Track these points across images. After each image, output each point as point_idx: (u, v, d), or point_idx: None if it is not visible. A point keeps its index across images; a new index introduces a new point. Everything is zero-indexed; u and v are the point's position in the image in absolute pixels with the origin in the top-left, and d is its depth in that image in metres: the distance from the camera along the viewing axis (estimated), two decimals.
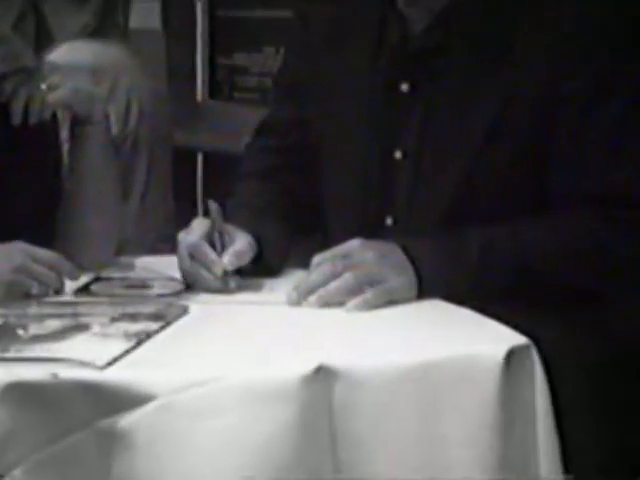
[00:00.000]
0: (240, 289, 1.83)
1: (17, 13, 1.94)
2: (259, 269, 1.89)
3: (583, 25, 1.80)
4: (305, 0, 2.17)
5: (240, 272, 1.84)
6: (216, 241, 1.84)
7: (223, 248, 1.83)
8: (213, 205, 1.85)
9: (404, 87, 1.89)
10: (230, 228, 1.86)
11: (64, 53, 2.62)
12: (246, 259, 1.85)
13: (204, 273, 1.82)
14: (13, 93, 1.94)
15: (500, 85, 1.82)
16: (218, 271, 1.81)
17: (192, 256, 1.84)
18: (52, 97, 1.97)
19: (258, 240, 1.88)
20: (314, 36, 2.03)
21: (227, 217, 1.87)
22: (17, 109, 1.95)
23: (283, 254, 1.92)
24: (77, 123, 2.05)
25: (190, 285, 1.85)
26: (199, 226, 1.86)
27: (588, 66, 1.80)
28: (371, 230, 1.87)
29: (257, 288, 1.86)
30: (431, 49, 1.88)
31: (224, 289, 1.82)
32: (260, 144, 2.14)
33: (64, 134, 2.10)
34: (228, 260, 1.82)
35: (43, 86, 1.97)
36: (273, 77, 3.58)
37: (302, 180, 2.02)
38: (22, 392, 1.40)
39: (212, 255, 1.82)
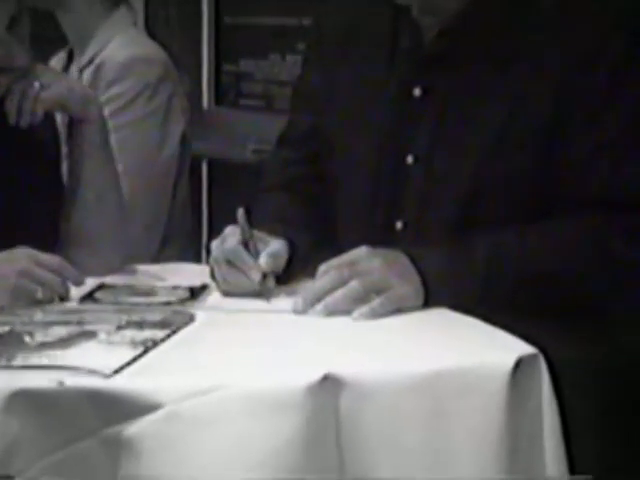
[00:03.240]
0: (275, 293, 1.85)
1: (12, 14, 1.94)
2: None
3: (587, 37, 1.81)
4: (320, 9, 2.18)
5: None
6: (250, 247, 1.85)
7: (257, 254, 1.84)
8: (241, 212, 1.85)
9: (417, 92, 1.89)
10: (261, 234, 1.87)
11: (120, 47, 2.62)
12: (282, 261, 1.87)
13: (243, 278, 1.84)
14: (7, 92, 1.95)
15: (509, 91, 1.83)
16: (257, 275, 1.82)
17: (229, 262, 1.85)
18: (45, 95, 1.98)
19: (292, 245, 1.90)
20: (330, 45, 2.04)
21: (256, 227, 1.88)
22: (11, 107, 1.96)
23: (308, 263, 1.90)
24: (73, 123, 2.05)
25: (225, 291, 1.87)
26: (232, 233, 1.87)
27: (592, 75, 1.80)
28: (381, 234, 1.88)
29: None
30: (443, 55, 1.89)
31: (263, 292, 1.83)
32: (282, 156, 2.14)
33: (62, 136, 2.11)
34: (265, 262, 1.83)
35: (36, 84, 1.97)
36: (279, 84, 3.65)
37: (323, 189, 2.02)
38: (29, 400, 1.40)
39: (250, 260, 1.83)
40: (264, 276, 1.83)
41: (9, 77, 1.95)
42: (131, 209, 2.43)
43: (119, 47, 2.60)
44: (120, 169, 2.42)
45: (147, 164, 2.57)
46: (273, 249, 1.86)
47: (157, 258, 2.48)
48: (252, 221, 1.89)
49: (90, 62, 2.61)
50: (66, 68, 2.72)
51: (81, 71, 2.60)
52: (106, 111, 2.48)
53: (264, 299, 1.82)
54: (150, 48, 2.66)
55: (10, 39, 1.94)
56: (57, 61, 2.83)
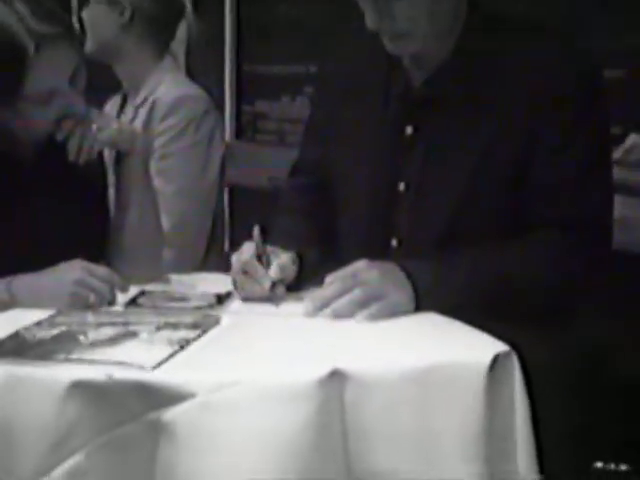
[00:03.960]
0: (284, 298, 1.86)
1: (72, 70, 1.96)
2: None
3: (550, 86, 1.82)
4: (325, 58, 2.18)
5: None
6: (262, 259, 1.86)
7: (269, 265, 1.85)
8: (256, 230, 1.87)
9: (408, 130, 1.91)
10: (273, 248, 1.88)
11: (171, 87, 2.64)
12: (290, 272, 1.88)
13: (257, 286, 1.85)
14: (69, 134, 1.97)
15: (485, 129, 1.84)
16: (267, 283, 1.84)
17: (245, 272, 1.87)
18: (100, 137, 1.99)
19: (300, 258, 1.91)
20: (334, 89, 2.04)
21: (272, 244, 1.90)
22: (72, 147, 1.96)
23: (316, 274, 1.90)
24: (120, 157, 2.06)
25: (243, 297, 1.88)
26: (248, 248, 1.88)
27: (554, 118, 1.81)
28: (378, 250, 1.89)
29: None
30: (430, 98, 1.89)
31: (272, 298, 1.84)
32: (294, 183, 2.15)
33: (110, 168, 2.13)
34: (274, 272, 1.84)
35: (93, 128, 1.99)
36: (290, 122, 3.65)
37: (329, 211, 2.02)
38: (84, 389, 1.41)
39: (261, 270, 1.85)
40: (274, 284, 1.84)
41: (71, 122, 1.96)
42: (181, 225, 2.46)
43: (168, 88, 2.61)
44: (172, 190, 2.45)
45: (195, 186, 2.58)
46: (282, 261, 1.87)
47: (203, 266, 2.49)
48: (267, 237, 1.90)
49: (144, 101, 2.61)
50: (122, 108, 2.73)
51: (137, 109, 2.61)
52: (160, 141, 2.50)
53: (274, 304, 1.83)
54: (194, 88, 2.66)
55: (72, 90, 1.96)
56: (112, 103, 2.83)
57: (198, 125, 2.58)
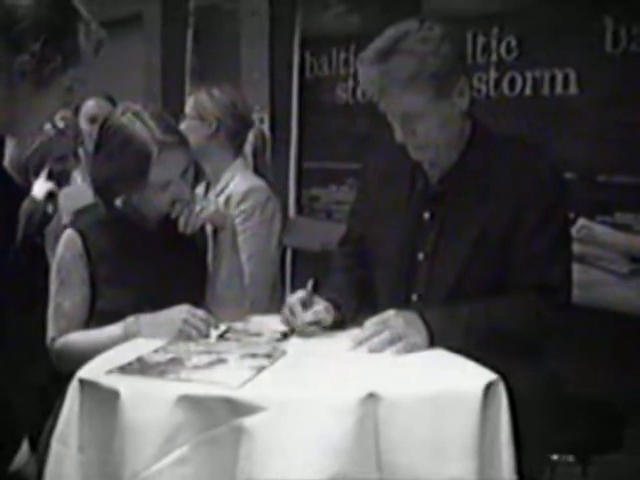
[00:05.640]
0: (318, 334, 1.84)
1: (184, 167, 1.98)
2: (335, 326, 1.90)
3: (531, 182, 1.80)
4: (367, 158, 2.17)
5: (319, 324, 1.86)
6: (306, 304, 1.86)
7: (308, 310, 1.85)
8: (309, 283, 1.88)
9: (426, 215, 1.89)
10: (317, 298, 1.88)
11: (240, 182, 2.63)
12: (322, 316, 1.86)
13: (298, 323, 1.84)
14: (180, 213, 1.97)
15: (483, 213, 1.81)
16: (299, 321, 1.84)
17: (291, 312, 1.86)
18: (202, 215, 1.99)
19: (338, 308, 1.89)
20: (373, 182, 2.03)
21: (325, 295, 1.90)
22: (182, 222, 1.96)
23: (356, 318, 1.88)
24: (216, 230, 2.06)
25: (291, 330, 1.85)
26: (298, 294, 1.88)
27: (534, 206, 1.79)
28: (403, 303, 1.85)
29: (329, 337, 1.86)
30: (442, 193, 1.88)
31: (308, 334, 1.84)
32: (342, 250, 2.12)
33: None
34: (308, 316, 1.84)
35: (197, 208, 1.99)
36: (335, 203, 3.65)
37: (366, 273, 1.99)
38: (188, 401, 1.41)
39: (300, 313, 1.84)
40: (309, 324, 1.84)
41: (181, 204, 1.97)
42: (253, 281, 2.47)
43: (240, 182, 2.60)
44: (245, 257, 2.46)
45: (262, 252, 2.58)
46: (317, 309, 1.86)
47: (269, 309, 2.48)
48: (320, 289, 1.90)
49: (222, 191, 2.60)
50: (205, 194, 2.74)
51: (217, 196, 2.63)
52: (237, 221, 2.51)
53: (308, 337, 1.82)
54: (259, 182, 2.67)
55: (183, 181, 1.97)
56: (200, 188, 2.85)
57: (262, 209, 2.59)
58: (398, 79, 1.73)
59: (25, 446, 1.47)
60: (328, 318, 1.88)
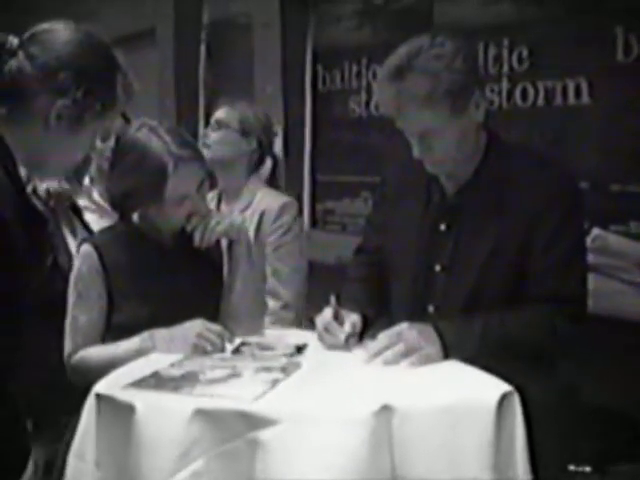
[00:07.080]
0: (354, 346, 1.84)
1: (199, 181, 1.99)
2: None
3: (547, 193, 1.80)
4: (384, 172, 2.17)
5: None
6: (338, 319, 1.87)
7: (342, 323, 1.86)
8: (333, 298, 1.88)
9: (442, 227, 1.89)
10: (344, 311, 1.89)
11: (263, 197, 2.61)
12: (359, 327, 1.88)
13: (335, 339, 1.85)
14: (196, 227, 1.98)
15: (498, 225, 1.81)
16: (342, 336, 1.84)
17: (326, 330, 1.87)
18: (217, 229, 2.00)
19: (365, 317, 1.91)
20: (391, 194, 2.03)
21: (341, 305, 1.91)
22: (197, 236, 1.98)
23: (371, 330, 1.89)
24: (231, 244, 2.06)
25: (327, 347, 1.86)
26: (327, 312, 1.89)
27: (547, 221, 1.79)
28: (419, 314, 1.86)
29: (343, 350, 1.84)
30: (458, 205, 1.88)
31: (347, 347, 1.84)
32: (358, 260, 2.13)
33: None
34: (348, 328, 1.85)
35: (212, 222, 2.00)
36: (350, 216, 3.66)
37: (382, 284, 1.99)
38: (204, 414, 1.41)
39: (338, 328, 1.85)
40: (348, 337, 1.84)
41: (196, 219, 1.98)
42: (298, 295, 2.48)
43: (267, 197, 2.59)
44: (288, 270, 2.47)
45: (299, 265, 2.57)
46: (352, 320, 1.86)
47: (301, 322, 2.47)
48: (339, 302, 1.91)
49: (247, 206, 2.58)
50: (218, 205, 2.70)
51: (242, 211, 2.57)
52: (274, 236, 2.51)
53: (348, 350, 1.83)
54: (288, 197, 2.67)
55: (198, 195, 1.99)
56: (210, 198, 2.82)
57: (296, 222, 2.61)
58: (414, 98, 1.74)
59: (30, 466, 1.46)
60: (360, 328, 1.89)
